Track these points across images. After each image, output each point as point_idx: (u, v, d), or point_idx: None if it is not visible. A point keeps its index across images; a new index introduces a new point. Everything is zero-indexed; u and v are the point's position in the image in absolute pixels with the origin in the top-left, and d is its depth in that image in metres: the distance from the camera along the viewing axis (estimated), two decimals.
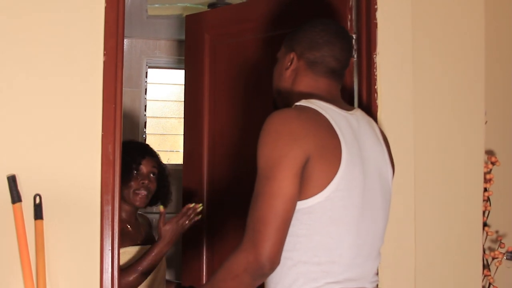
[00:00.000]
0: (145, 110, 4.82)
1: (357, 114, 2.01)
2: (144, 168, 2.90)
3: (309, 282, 1.83)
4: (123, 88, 2.34)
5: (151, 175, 2.92)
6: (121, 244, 2.73)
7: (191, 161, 3.14)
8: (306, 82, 2.02)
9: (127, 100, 4.47)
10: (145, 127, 4.80)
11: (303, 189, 1.79)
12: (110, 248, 2.21)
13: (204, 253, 3.04)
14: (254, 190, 1.79)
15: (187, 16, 3.23)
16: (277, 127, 1.81)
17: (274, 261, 1.74)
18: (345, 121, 1.92)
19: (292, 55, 2.04)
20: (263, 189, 1.76)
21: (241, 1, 3.93)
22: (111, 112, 2.25)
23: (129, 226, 2.89)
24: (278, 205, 1.74)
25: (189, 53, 3.18)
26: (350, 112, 1.98)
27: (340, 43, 2.03)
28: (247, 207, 1.80)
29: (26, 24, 2.23)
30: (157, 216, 3.69)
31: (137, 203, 2.90)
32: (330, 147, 1.82)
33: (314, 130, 1.82)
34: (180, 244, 4.22)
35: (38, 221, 2.15)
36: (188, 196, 3.14)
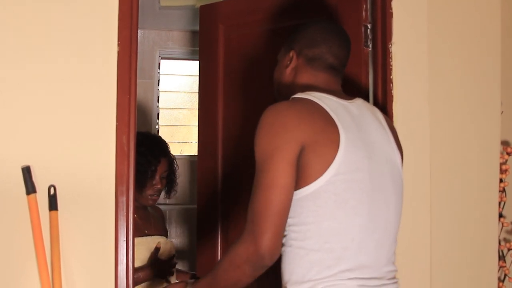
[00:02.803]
0: (158, 101, 4.82)
1: (358, 103, 2.03)
2: (158, 173, 2.95)
3: (323, 270, 1.83)
4: None
5: (163, 176, 2.99)
6: None
7: (206, 152, 3.13)
8: (305, 78, 2.06)
9: (140, 91, 4.47)
10: (157, 118, 4.80)
11: (303, 177, 1.81)
12: (125, 239, 2.21)
13: (219, 244, 3.03)
14: (253, 184, 1.82)
15: (201, 6, 3.22)
16: (269, 120, 1.85)
17: (274, 253, 1.78)
18: (342, 108, 1.94)
19: (291, 53, 2.08)
20: (259, 181, 1.80)
21: None
22: (125, 103, 2.24)
23: (136, 216, 2.91)
24: (274, 196, 1.77)
25: (203, 43, 3.17)
26: (349, 101, 2.01)
27: (338, 40, 2.08)
28: None
29: (40, 14, 2.22)
30: (167, 207, 3.66)
31: (149, 204, 2.99)
32: (325, 132, 1.85)
33: (307, 119, 1.85)
34: (193, 235, 4.22)
35: (53, 212, 2.14)
36: (203, 188, 3.14)
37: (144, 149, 2.87)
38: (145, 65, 4.69)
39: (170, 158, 3.06)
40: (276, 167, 1.78)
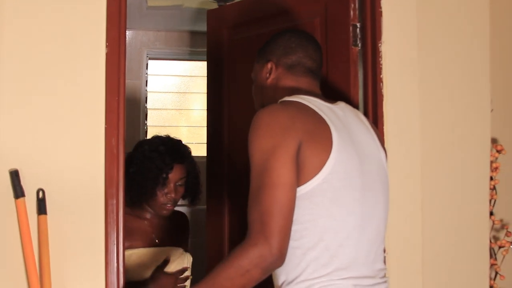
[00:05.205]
0: (146, 102, 4.80)
1: (341, 105, 2.06)
2: (171, 179, 2.69)
3: (319, 268, 1.83)
4: None
5: (179, 184, 2.73)
6: (131, 244, 2.62)
7: (213, 154, 3.15)
8: (288, 84, 2.08)
9: (128, 92, 4.44)
10: (146, 119, 4.78)
11: (300, 175, 1.81)
12: (115, 242, 2.19)
13: (226, 244, 3.04)
14: (252, 185, 1.81)
15: (208, 10, 3.29)
16: (265, 121, 1.86)
17: (284, 253, 1.76)
18: (330, 110, 1.96)
19: (269, 64, 2.11)
20: (263, 180, 1.78)
21: None
22: (114, 104, 2.23)
23: (146, 222, 2.74)
24: (281, 194, 1.76)
25: (210, 47, 3.21)
26: (333, 104, 2.03)
27: (311, 44, 2.13)
28: None
29: (27, 16, 2.20)
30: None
31: (163, 214, 2.74)
32: (319, 131, 1.86)
33: (301, 118, 1.87)
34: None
35: (42, 216, 2.12)
36: (212, 189, 3.12)
37: (156, 155, 2.68)
38: (133, 65, 4.67)
39: (190, 164, 2.78)
40: (279, 164, 1.77)
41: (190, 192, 2.83)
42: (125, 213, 2.53)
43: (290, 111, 1.88)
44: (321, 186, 1.83)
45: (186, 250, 2.85)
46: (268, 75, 2.11)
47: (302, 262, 1.83)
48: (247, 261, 1.73)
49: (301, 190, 1.82)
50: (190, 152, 2.82)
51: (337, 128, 1.90)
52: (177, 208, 2.87)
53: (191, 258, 2.82)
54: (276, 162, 1.78)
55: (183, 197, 2.82)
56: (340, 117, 1.97)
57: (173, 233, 2.83)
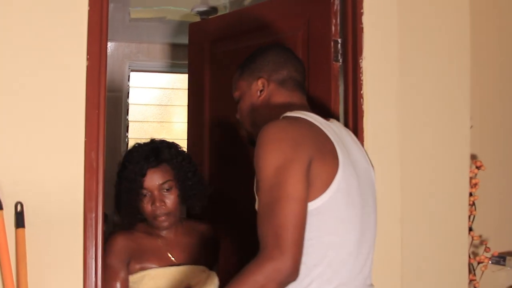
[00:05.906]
0: (127, 114, 4.78)
1: (336, 123, 2.08)
2: (151, 187, 2.40)
3: (323, 284, 1.83)
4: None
5: (164, 190, 2.41)
6: (143, 266, 2.41)
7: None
8: (281, 99, 2.07)
9: (109, 104, 4.42)
10: (127, 131, 4.75)
11: (309, 192, 1.80)
12: (94, 256, 2.17)
13: None
14: (263, 199, 1.78)
15: (190, 24, 3.31)
16: (277, 135, 1.84)
17: (299, 266, 1.74)
18: (329, 127, 1.97)
19: (260, 81, 2.09)
20: (277, 194, 1.76)
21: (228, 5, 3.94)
22: (94, 118, 2.21)
23: (159, 240, 2.48)
24: (296, 208, 1.74)
25: (191, 60, 3.22)
26: (329, 121, 2.04)
27: (296, 58, 2.15)
28: (251, 218, 1.82)
29: (7, 28, 2.19)
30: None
31: (163, 227, 2.45)
32: (327, 149, 1.86)
33: (311, 135, 1.86)
34: None
35: (20, 229, 2.10)
36: None
37: (128, 164, 2.42)
38: (114, 77, 4.65)
39: (175, 165, 2.44)
40: (293, 178, 1.76)
41: (188, 196, 2.48)
42: (136, 232, 2.47)
43: (299, 127, 1.87)
44: (328, 203, 1.83)
45: (211, 268, 2.54)
46: (259, 92, 2.09)
47: (307, 278, 1.82)
48: (262, 276, 1.70)
49: (310, 206, 1.81)
50: (173, 152, 2.48)
51: (339, 146, 1.91)
52: None
53: (217, 279, 2.49)
54: (290, 176, 1.76)
55: (184, 203, 2.52)
56: (338, 134, 1.98)
57: (194, 249, 2.51)
